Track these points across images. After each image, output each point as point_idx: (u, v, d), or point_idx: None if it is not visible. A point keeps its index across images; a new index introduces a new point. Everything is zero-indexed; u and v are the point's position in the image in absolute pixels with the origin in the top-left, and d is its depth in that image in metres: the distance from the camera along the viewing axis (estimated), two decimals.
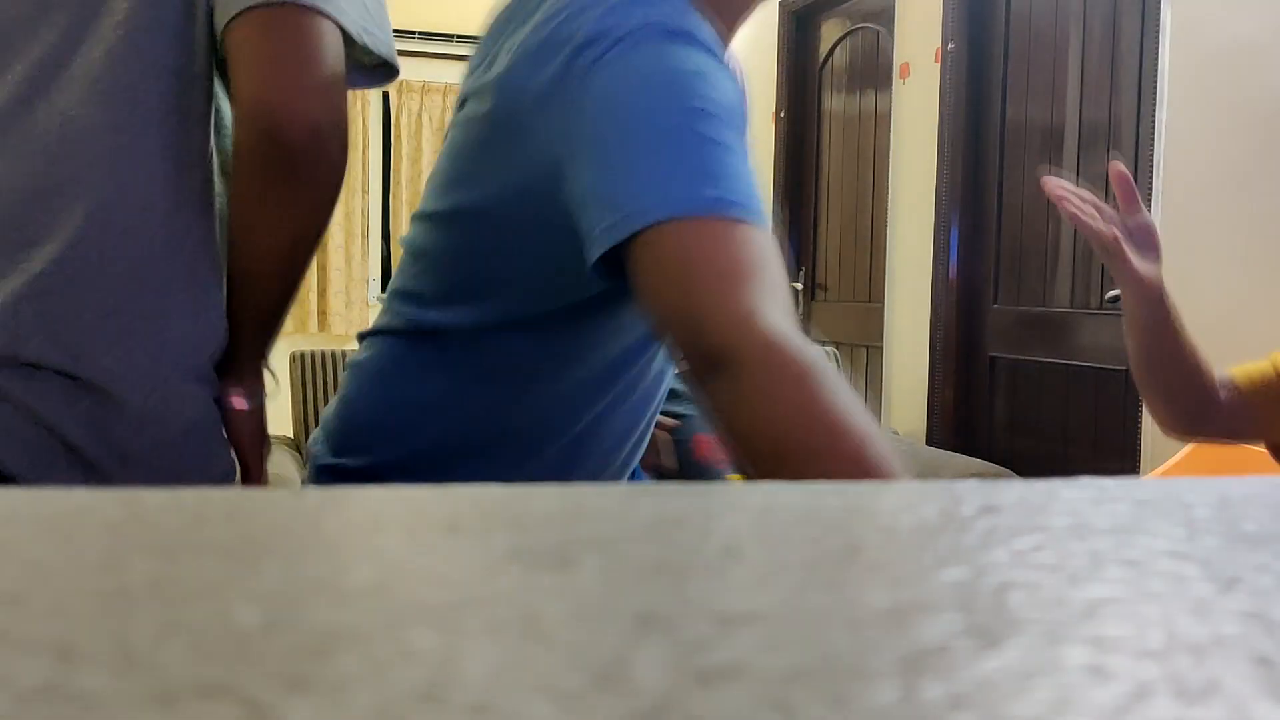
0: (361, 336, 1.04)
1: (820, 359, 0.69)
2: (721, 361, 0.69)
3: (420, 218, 0.97)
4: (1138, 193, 1.17)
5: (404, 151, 5.32)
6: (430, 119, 5.36)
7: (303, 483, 1.06)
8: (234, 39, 0.85)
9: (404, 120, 5.34)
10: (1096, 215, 1.15)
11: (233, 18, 0.85)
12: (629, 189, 0.75)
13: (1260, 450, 1.50)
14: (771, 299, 0.71)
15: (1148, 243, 1.17)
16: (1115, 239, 1.12)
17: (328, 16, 0.85)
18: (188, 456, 0.91)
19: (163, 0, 0.89)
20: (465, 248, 0.92)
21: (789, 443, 0.66)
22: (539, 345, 0.93)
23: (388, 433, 0.97)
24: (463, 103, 0.95)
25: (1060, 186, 1.16)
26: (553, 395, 0.96)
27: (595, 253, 0.76)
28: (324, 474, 1.01)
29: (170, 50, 0.89)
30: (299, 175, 0.86)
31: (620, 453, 1.02)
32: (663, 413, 1.15)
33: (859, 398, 0.69)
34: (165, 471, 0.89)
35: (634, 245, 0.74)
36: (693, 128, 0.76)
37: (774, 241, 0.76)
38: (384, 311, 1.01)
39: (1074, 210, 1.14)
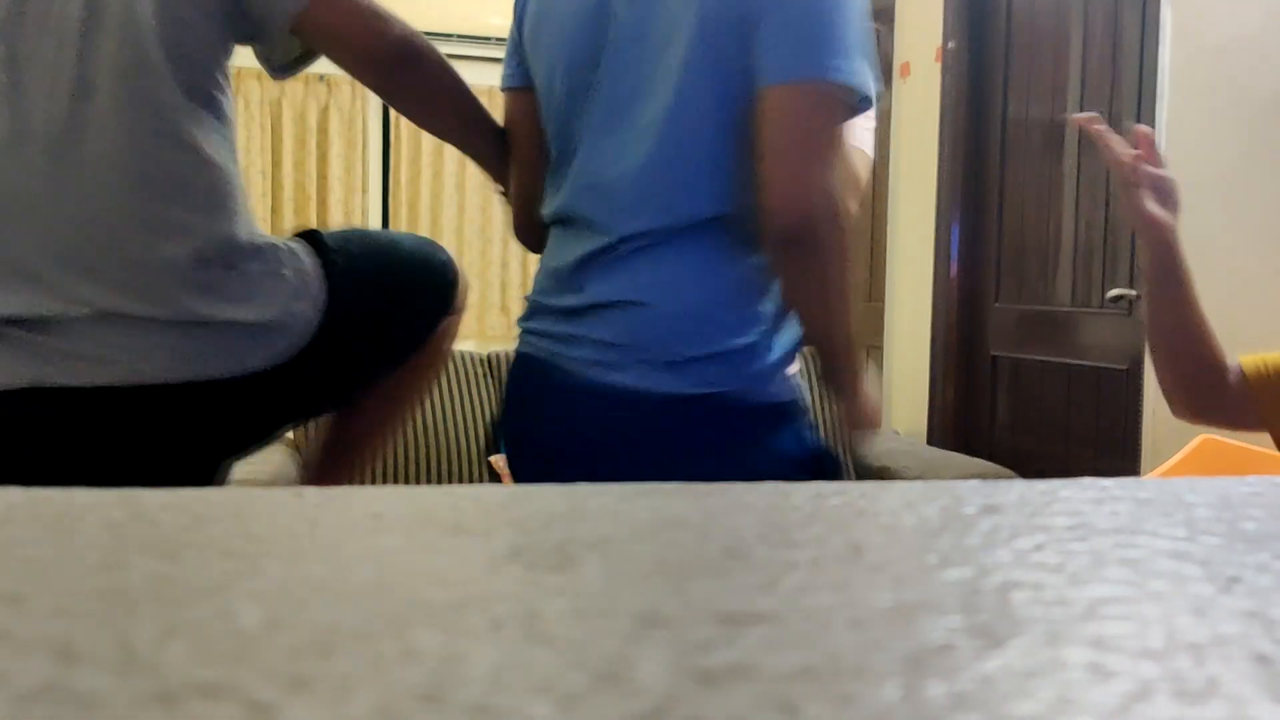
0: (618, 242, 1.04)
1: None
2: (804, 238, 0.95)
3: (633, 127, 1.02)
4: (1159, 151, 1.19)
5: (404, 151, 5.29)
6: None
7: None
8: (310, 27, 1.12)
9: (404, 120, 5.30)
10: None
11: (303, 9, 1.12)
12: (781, 46, 0.94)
13: (1263, 451, 1.50)
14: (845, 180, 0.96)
15: (1167, 195, 1.19)
16: (1134, 166, 1.14)
17: None
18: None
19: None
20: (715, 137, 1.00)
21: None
22: None
23: (736, 316, 1.05)
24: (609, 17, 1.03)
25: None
26: None
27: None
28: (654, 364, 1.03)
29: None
30: (415, 94, 1.19)
31: None
32: None
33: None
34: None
35: (767, 97, 0.94)
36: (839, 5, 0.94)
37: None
38: (640, 213, 1.03)
39: (1099, 129, 1.15)
